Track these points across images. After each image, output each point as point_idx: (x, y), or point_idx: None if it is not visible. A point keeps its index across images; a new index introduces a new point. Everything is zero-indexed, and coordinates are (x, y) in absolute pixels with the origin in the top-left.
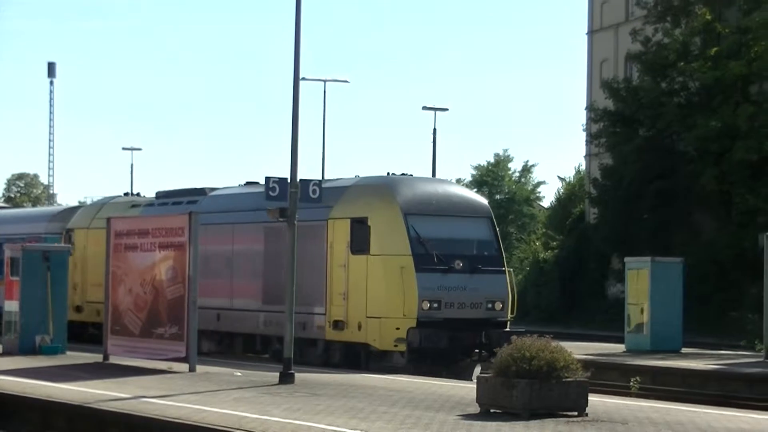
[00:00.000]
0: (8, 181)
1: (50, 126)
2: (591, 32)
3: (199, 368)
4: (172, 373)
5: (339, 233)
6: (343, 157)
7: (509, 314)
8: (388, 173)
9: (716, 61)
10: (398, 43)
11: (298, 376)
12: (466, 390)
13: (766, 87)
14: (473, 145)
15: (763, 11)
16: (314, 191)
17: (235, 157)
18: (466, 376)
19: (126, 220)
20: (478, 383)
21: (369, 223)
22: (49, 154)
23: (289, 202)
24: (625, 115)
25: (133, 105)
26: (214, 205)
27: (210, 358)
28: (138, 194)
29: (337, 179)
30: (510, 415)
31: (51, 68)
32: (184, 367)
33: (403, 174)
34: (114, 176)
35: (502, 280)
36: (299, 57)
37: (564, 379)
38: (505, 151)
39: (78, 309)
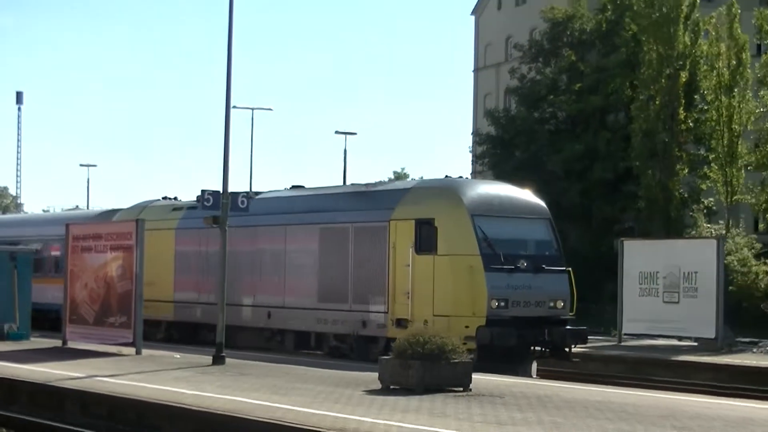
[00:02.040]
0: None
1: (18, 145)
2: (476, 70)
3: (145, 352)
4: (122, 356)
5: (402, 234)
6: (267, 173)
7: (570, 312)
8: (446, 176)
9: (579, 95)
10: (315, 75)
11: (229, 359)
12: (370, 372)
13: (620, 117)
14: (377, 164)
15: (617, 54)
16: (242, 202)
17: (176, 172)
18: (523, 372)
19: (82, 226)
20: (380, 364)
21: (436, 224)
22: (17, 170)
23: (221, 210)
24: (504, 140)
25: (89, 127)
26: (262, 208)
27: (251, 352)
28: (175, 198)
29: (394, 182)
30: (406, 390)
31: (19, 96)
32: (132, 350)
33: (459, 177)
34: (72, 189)
35: (563, 279)
36: (230, 88)
37: (452, 361)
38: (403, 169)
39: None
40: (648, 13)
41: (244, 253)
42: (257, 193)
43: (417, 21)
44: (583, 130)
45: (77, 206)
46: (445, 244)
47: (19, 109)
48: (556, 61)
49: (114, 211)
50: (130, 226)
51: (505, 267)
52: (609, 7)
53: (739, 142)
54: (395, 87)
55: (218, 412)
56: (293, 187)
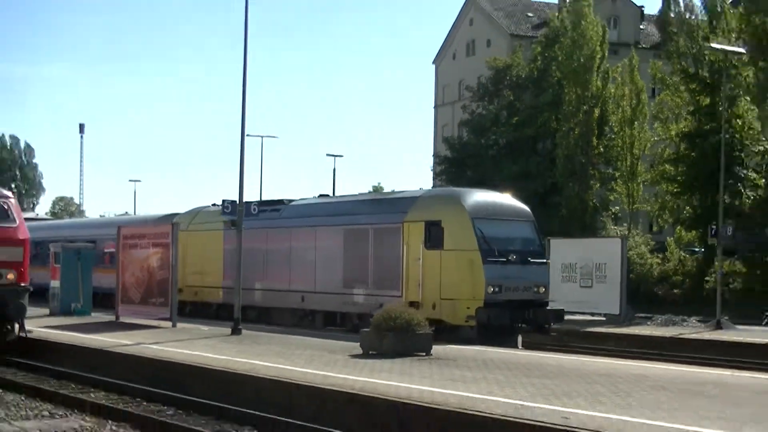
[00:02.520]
0: (53, 201)
1: (81, 165)
2: (436, 106)
3: (178, 325)
4: (161, 328)
5: (414, 233)
6: (275, 186)
7: (549, 297)
8: (419, 187)
9: (516, 126)
10: (309, 107)
11: (244, 331)
12: (353, 341)
13: (548, 144)
14: (360, 181)
15: (546, 95)
16: (254, 209)
17: (203, 185)
18: (510, 344)
19: (130, 228)
20: (361, 335)
21: (442, 225)
22: (80, 184)
23: (237, 216)
24: (458, 161)
25: (135, 149)
26: (296, 212)
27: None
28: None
29: (404, 191)
30: (381, 355)
31: (81, 127)
32: (168, 324)
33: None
34: (122, 198)
35: (544, 269)
36: (245, 120)
37: (417, 332)
38: (379, 183)
39: (179, 290)
40: (569, 63)
41: (281, 249)
42: (290, 201)
43: (392, 67)
44: (519, 155)
45: (126, 212)
46: (450, 241)
47: (81, 137)
48: (498, 100)
49: (173, 215)
50: (168, 228)
51: (499, 260)
52: (539, 58)
53: (639, 164)
54: (374, 118)
55: (235, 371)
56: (320, 195)
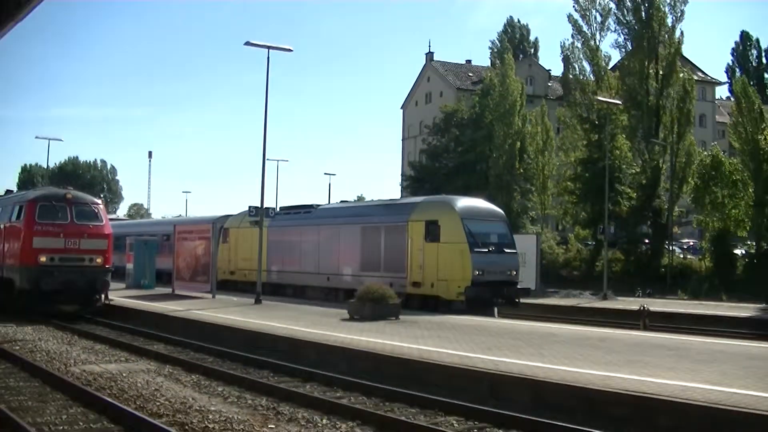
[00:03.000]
0: (129, 206)
1: (148, 181)
2: (404, 139)
3: (217, 297)
4: (204, 299)
5: (416, 230)
6: (287, 196)
7: (518, 278)
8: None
9: (461, 154)
10: (310, 135)
11: (264, 302)
12: (342, 309)
13: (483, 167)
14: (348, 193)
15: (482, 131)
16: (271, 212)
17: (237, 194)
18: (489, 314)
19: (183, 226)
20: (348, 304)
21: (439, 224)
22: (148, 194)
23: (260, 218)
24: (419, 179)
25: (187, 167)
26: (324, 214)
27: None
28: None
29: (407, 198)
30: (362, 319)
31: (149, 154)
32: (209, 296)
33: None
34: (178, 204)
35: (515, 257)
36: (265, 149)
37: (389, 302)
38: (362, 194)
39: (232, 273)
40: (498, 108)
41: (312, 242)
42: (319, 205)
43: (372, 111)
44: (463, 174)
45: (180, 215)
46: (445, 236)
47: (149, 161)
48: (448, 135)
49: (227, 216)
50: (209, 227)
51: (482, 250)
52: (477, 105)
53: (548, 181)
54: (359, 147)
55: (256, 330)
56: (341, 201)
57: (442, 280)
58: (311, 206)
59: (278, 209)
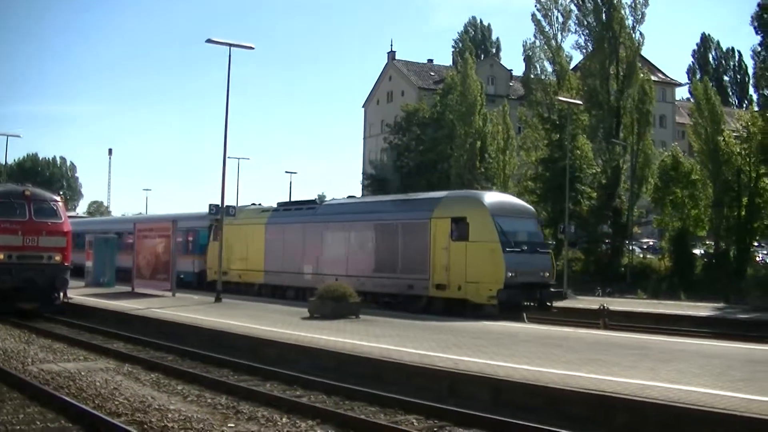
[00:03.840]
0: (89, 204)
1: (108, 179)
2: (365, 138)
3: (177, 295)
4: (164, 297)
5: (440, 228)
6: (249, 193)
7: (551, 280)
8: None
9: (422, 153)
10: (271, 134)
11: (224, 300)
12: (303, 308)
13: (445, 166)
14: (308, 190)
15: (443, 130)
16: (231, 210)
17: (199, 192)
18: (518, 319)
19: (143, 224)
20: (309, 303)
21: (468, 221)
22: (108, 191)
23: (221, 215)
24: (380, 178)
25: (148, 165)
26: (331, 210)
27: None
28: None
29: (426, 194)
30: (323, 317)
31: (110, 151)
32: (170, 294)
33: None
34: (138, 202)
35: (548, 257)
36: (226, 147)
37: (350, 301)
38: (323, 192)
39: (224, 273)
40: (459, 108)
41: (316, 240)
42: (323, 200)
43: (335, 110)
44: (424, 173)
45: (140, 213)
46: (475, 234)
47: (110, 158)
48: (409, 134)
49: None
50: (169, 225)
51: (515, 250)
52: (438, 104)
53: (509, 181)
54: (320, 146)
55: (216, 329)
56: (349, 196)
57: (471, 282)
58: (314, 201)
59: (276, 205)
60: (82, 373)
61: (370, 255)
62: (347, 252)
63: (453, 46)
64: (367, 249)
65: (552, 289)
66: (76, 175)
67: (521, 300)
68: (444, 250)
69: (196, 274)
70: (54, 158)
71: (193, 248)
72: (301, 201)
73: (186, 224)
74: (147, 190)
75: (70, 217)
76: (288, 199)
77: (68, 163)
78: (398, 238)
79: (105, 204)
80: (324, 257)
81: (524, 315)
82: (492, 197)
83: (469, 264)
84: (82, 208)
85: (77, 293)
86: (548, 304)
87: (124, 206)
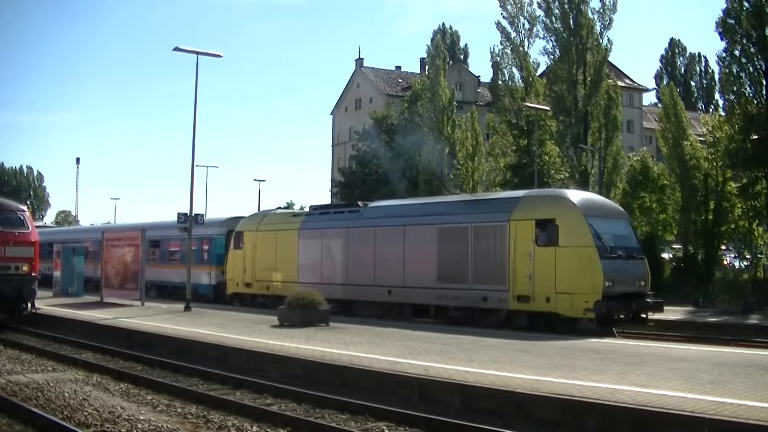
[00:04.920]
0: (56, 213)
1: (76, 187)
2: (333, 145)
3: (147, 304)
4: (133, 306)
5: (522, 231)
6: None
7: (648, 289)
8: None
9: (390, 160)
10: (240, 142)
11: (194, 309)
12: (272, 315)
13: (414, 172)
14: (276, 198)
15: (412, 137)
16: (200, 218)
17: (167, 201)
18: (609, 334)
19: (112, 233)
20: (277, 311)
21: (557, 223)
22: (76, 200)
23: (189, 224)
24: (349, 184)
25: (116, 174)
26: (380, 212)
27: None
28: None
29: (501, 193)
30: (293, 325)
31: (77, 160)
32: (139, 303)
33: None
34: (107, 212)
35: (644, 264)
36: (194, 155)
37: (319, 308)
38: (291, 201)
39: (248, 285)
40: (428, 114)
41: (363, 247)
42: (366, 203)
43: (303, 117)
44: (392, 179)
45: (109, 222)
46: (566, 238)
47: (77, 167)
48: (378, 141)
49: (237, 218)
50: (138, 233)
51: (611, 255)
52: (406, 111)
53: (478, 187)
54: (288, 154)
55: (187, 338)
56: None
57: (562, 293)
58: (356, 205)
59: (309, 208)
60: (51, 384)
61: (431, 263)
62: (402, 260)
63: (426, 53)
64: (428, 256)
65: (649, 300)
66: (44, 184)
67: (620, 312)
68: (527, 256)
69: (212, 287)
70: (21, 168)
71: (208, 258)
72: (340, 204)
73: (200, 232)
74: (115, 199)
75: (37, 227)
76: (257, 209)
77: (35, 173)
78: (468, 244)
79: (73, 213)
80: (374, 266)
81: (614, 330)
82: (580, 195)
83: (560, 272)
84: (50, 217)
85: (45, 303)
86: (644, 316)
87: (92, 216)
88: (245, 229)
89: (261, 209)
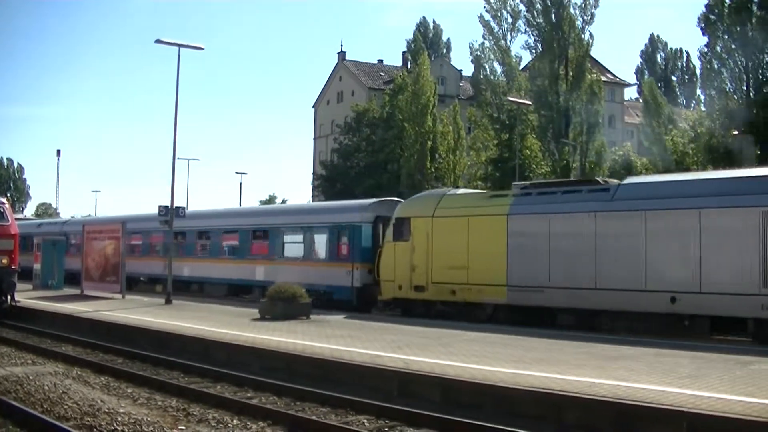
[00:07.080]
0: (37, 206)
1: (57, 179)
2: (315, 138)
3: (127, 297)
4: (114, 299)
5: None
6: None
7: None
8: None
9: (372, 153)
10: (222, 134)
11: (175, 302)
12: (254, 308)
13: (395, 166)
14: (258, 191)
15: (393, 131)
16: (182, 211)
17: (149, 194)
18: None
19: (92, 225)
20: (259, 304)
21: None
22: (56, 193)
23: (169, 218)
24: (330, 178)
25: (97, 167)
26: (647, 191)
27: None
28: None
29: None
30: (274, 318)
31: (58, 152)
32: (119, 296)
33: None
34: (87, 204)
35: None
36: (176, 148)
37: (300, 302)
38: (273, 194)
39: (418, 288)
40: (409, 108)
41: (622, 239)
42: (618, 181)
43: (284, 110)
44: (374, 173)
45: (89, 214)
46: None
47: (58, 159)
48: (359, 134)
49: (392, 201)
50: (118, 227)
51: None
52: (388, 105)
53: (459, 180)
54: (270, 147)
55: (167, 331)
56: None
57: None
58: (594, 182)
59: (521, 187)
60: (30, 377)
61: (750, 260)
62: (696, 255)
63: (407, 46)
64: (748, 250)
65: None
66: (24, 177)
67: None
68: None
69: (355, 291)
70: (1, 160)
71: (350, 252)
72: (570, 181)
73: (335, 219)
74: (96, 191)
75: (17, 219)
76: (239, 203)
77: (15, 165)
78: None
79: (54, 206)
80: (646, 265)
81: None
82: None
83: None
84: (30, 210)
85: (25, 296)
86: None
87: (73, 208)
88: (414, 215)
89: (260, 202)
